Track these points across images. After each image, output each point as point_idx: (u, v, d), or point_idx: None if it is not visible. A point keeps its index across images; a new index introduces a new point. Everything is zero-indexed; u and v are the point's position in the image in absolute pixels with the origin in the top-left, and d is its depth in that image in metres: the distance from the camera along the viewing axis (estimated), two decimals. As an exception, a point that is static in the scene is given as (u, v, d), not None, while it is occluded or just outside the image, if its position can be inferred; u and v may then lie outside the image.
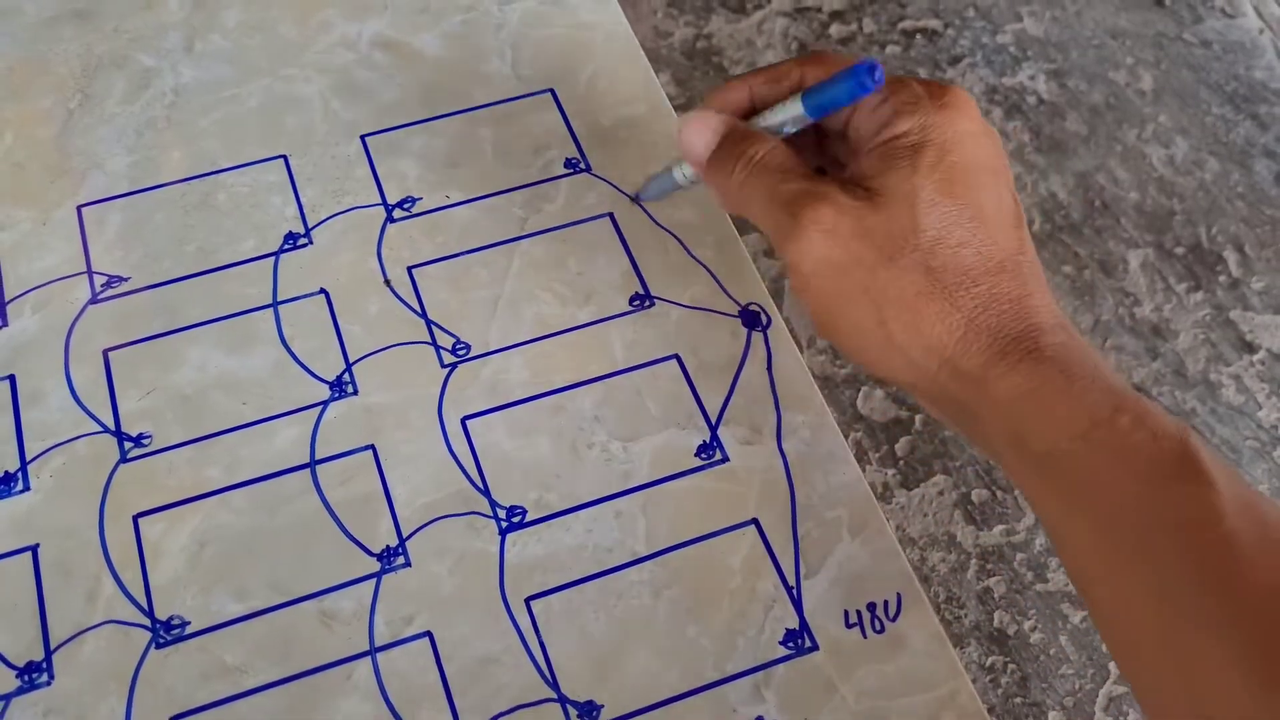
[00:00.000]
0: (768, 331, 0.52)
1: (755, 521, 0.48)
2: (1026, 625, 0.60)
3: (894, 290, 0.39)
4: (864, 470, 0.61)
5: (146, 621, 0.45)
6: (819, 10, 0.82)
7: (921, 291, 0.39)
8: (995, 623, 0.59)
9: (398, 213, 0.55)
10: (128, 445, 0.48)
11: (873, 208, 0.39)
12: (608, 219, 0.55)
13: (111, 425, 0.49)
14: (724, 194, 0.45)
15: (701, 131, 0.44)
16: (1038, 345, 0.38)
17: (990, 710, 0.56)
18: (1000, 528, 0.62)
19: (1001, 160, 0.42)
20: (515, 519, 0.47)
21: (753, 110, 0.45)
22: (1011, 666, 0.58)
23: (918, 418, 0.66)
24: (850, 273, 0.40)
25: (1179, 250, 0.73)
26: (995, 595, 0.60)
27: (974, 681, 0.51)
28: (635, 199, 0.55)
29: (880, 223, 0.39)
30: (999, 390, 0.38)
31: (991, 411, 0.39)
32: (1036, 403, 0.37)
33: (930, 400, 0.42)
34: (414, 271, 0.53)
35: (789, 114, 0.43)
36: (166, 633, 0.45)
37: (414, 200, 0.55)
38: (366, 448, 0.49)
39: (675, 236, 0.55)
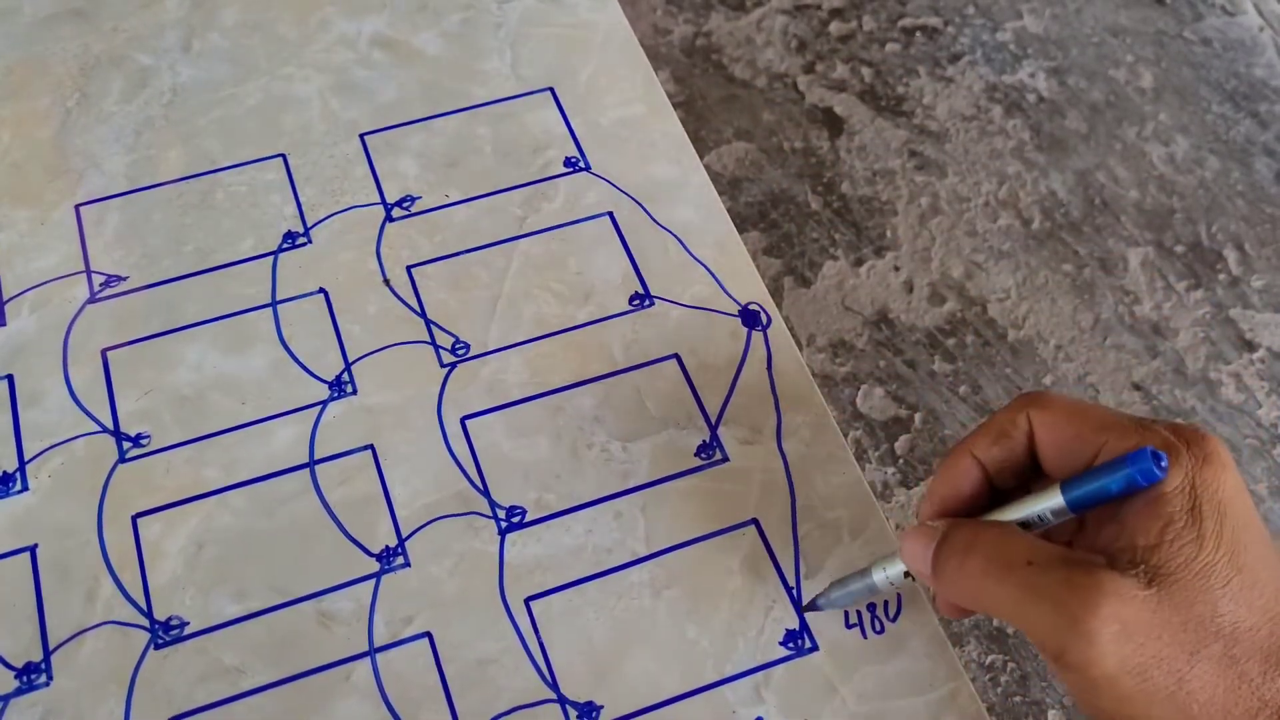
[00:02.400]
0: (768, 331, 0.52)
1: (755, 522, 0.47)
2: (1026, 624, 0.59)
3: (1202, 690, 0.34)
4: (863, 469, 0.61)
5: (145, 622, 0.45)
6: (818, 8, 0.82)
7: (1230, 687, 0.34)
8: (995, 621, 0.59)
9: (397, 212, 0.55)
10: (126, 445, 0.48)
11: (1165, 593, 0.34)
12: (607, 218, 0.55)
13: (110, 425, 0.49)
14: (965, 598, 0.38)
15: (917, 542, 0.39)
16: None
17: (990, 709, 0.56)
18: (1000, 527, 0.62)
19: (1259, 518, 0.37)
20: (515, 519, 0.47)
21: (986, 481, 0.40)
22: (1011, 665, 0.58)
23: (917, 416, 0.65)
24: (1152, 677, 0.34)
25: (1179, 248, 0.73)
26: (995, 594, 0.60)
27: (973, 680, 0.51)
28: (811, 606, 0.46)
29: (1177, 612, 0.34)
30: None
31: None
32: None
33: None
34: (413, 271, 0.53)
35: (1045, 508, 0.37)
36: (165, 633, 0.44)
37: (413, 199, 0.55)
38: (365, 448, 0.49)
39: (675, 236, 0.54)
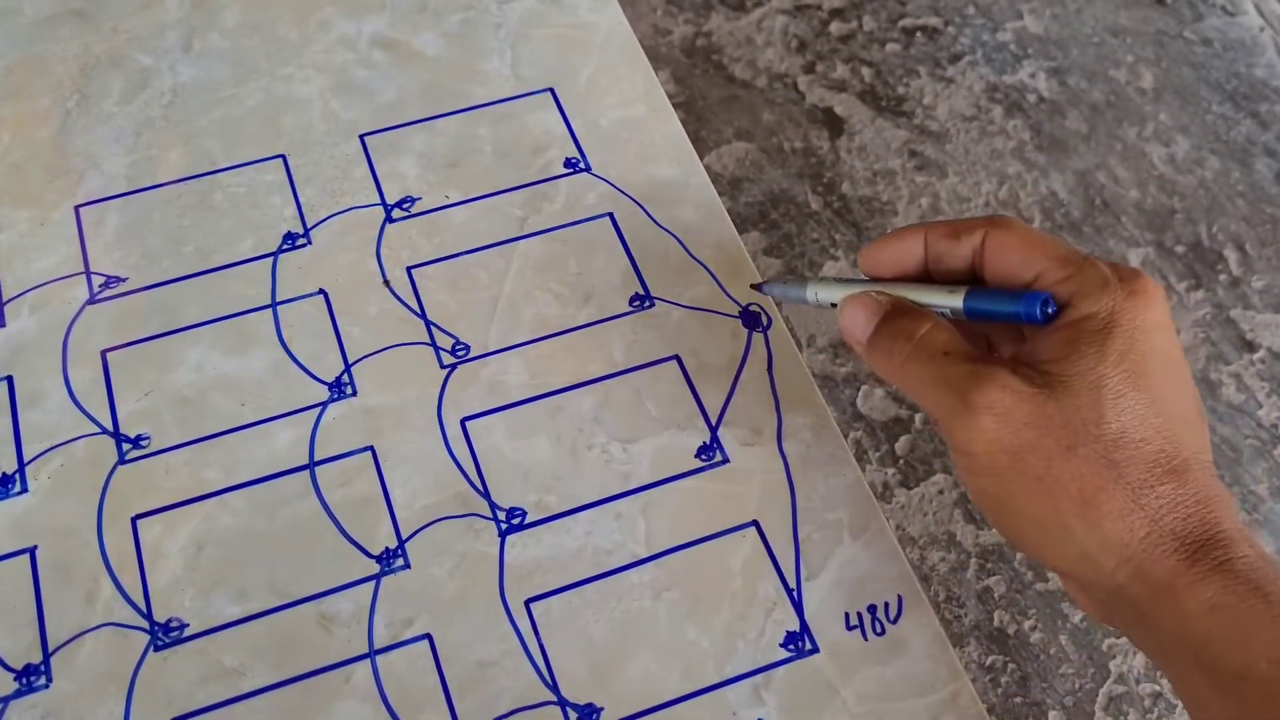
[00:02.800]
0: (768, 332, 0.52)
1: (756, 523, 0.47)
2: (1026, 625, 0.59)
3: (1073, 482, 0.37)
4: (864, 469, 0.61)
5: (145, 624, 0.45)
6: (819, 8, 0.82)
7: (1102, 486, 0.37)
8: (995, 622, 0.59)
9: (397, 213, 0.55)
10: (126, 447, 0.48)
11: (1052, 395, 0.38)
12: (607, 219, 0.55)
13: (110, 426, 0.49)
14: (886, 373, 0.43)
15: (861, 313, 0.43)
16: (1229, 556, 0.36)
17: (990, 710, 0.56)
18: (1000, 527, 0.62)
19: (1182, 354, 0.40)
20: (515, 521, 0.47)
21: (924, 262, 0.44)
22: (1011, 666, 0.58)
23: (917, 416, 0.65)
24: (1024, 459, 0.38)
25: (1179, 249, 0.73)
26: (995, 594, 0.60)
27: (974, 681, 0.51)
28: (757, 286, 0.51)
29: (1060, 411, 0.38)
30: (1188, 601, 0.36)
31: (1176, 622, 0.37)
32: (1231, 620, 0.36)
33: (1097, 598, 0.41)
34: (413, 272, 0.53)
35: (947, 304, 0.42)
36: (165, 635, 0.44)
37: (413, 200, 0.55)
38: (366, 449, 0.48)
39: (675, 237, 0.54)
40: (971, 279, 0.43)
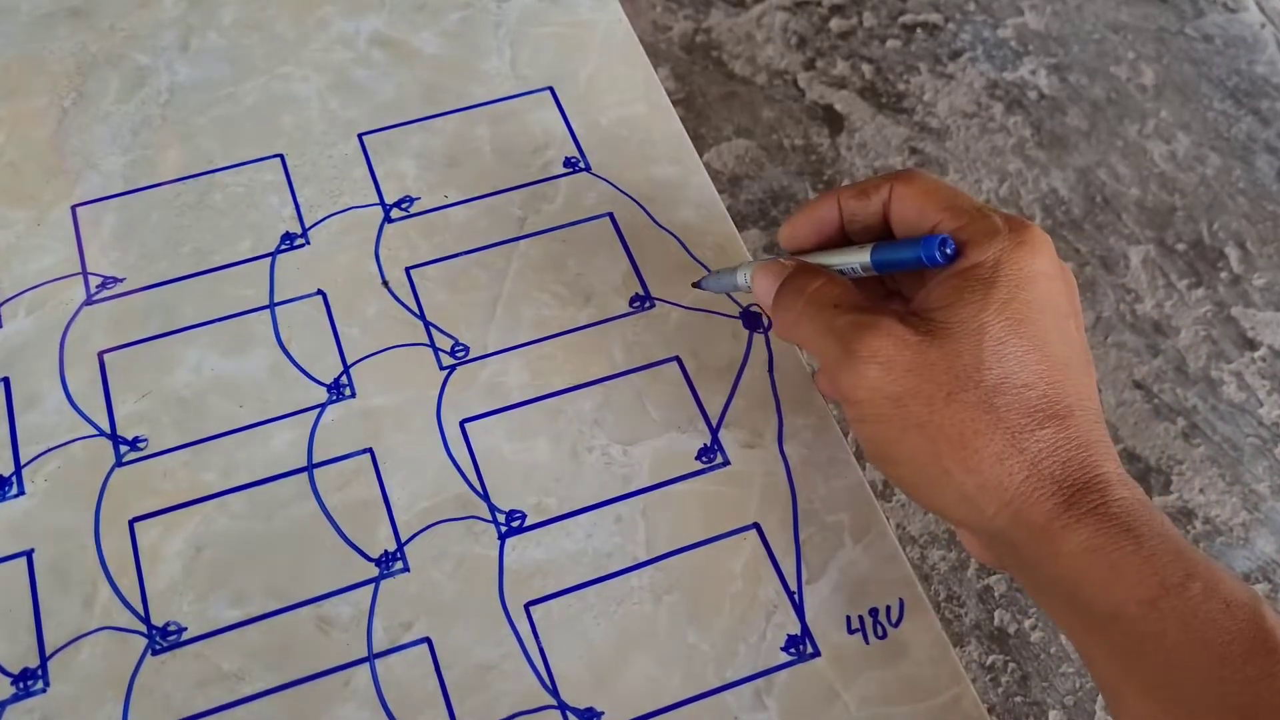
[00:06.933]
0: (769, 333, 0.52)
1: (756, 526, 0.47)
2: (1027, 624, 0.59)
3: (952, 427, 0.38)
4: (864, 468, 0.61)
5: (143, 628, 0.44)
6: (819, 4, 0.82)
7: (980, 430, 0.38)
8: (995, 621, 0.59)
9: (395, 213, 0.54)
10: (123, 449, 0.48)
11: (934, 341, 0.39)
12: (607, 219, 0.55)
13: (107, 428, 0.48)
14: (785, 331, 0.44)
15: (767, 278, 0.45)
16: (1105, 499, 0.37)
17: (991, 709, 0.55)
18: (1001, 527, 0.61)
19: (1075, 305, 0.41)
20: (514, 523, 0.47)
21: (841, 229, 0.45)
22: (1012, 665, 0.58)
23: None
24: (907, 405, 0.39)
25: (1180, 246, 0.73)
26: (995, 594, 0.60)
27: (974, 681, 0.50)
28: (697, 284, 0.52)
29: (942, 357, 0.39)
30: (1063, 544, 0.37)
31: (1052, 563, 0.38)
32: (1103, 562, 0.37)
33: (981, 541, 0.42)
34: (412, 272, 0.53)
35: (857, 261, 0.43)
36: (163, 639, 0.44)
37: (412, 200, 0.55)
38: (364, 451, 0.48)
39: (675, 237, 0.54)
40: (889, 236, 0.44)
